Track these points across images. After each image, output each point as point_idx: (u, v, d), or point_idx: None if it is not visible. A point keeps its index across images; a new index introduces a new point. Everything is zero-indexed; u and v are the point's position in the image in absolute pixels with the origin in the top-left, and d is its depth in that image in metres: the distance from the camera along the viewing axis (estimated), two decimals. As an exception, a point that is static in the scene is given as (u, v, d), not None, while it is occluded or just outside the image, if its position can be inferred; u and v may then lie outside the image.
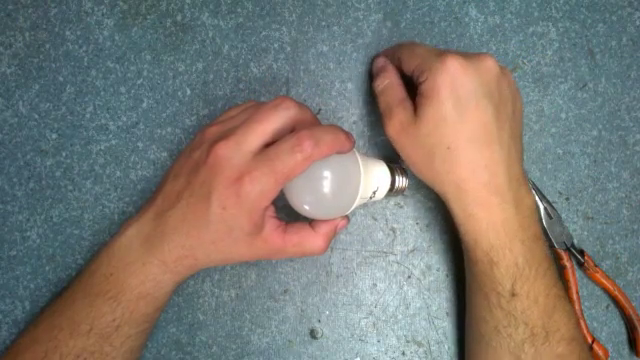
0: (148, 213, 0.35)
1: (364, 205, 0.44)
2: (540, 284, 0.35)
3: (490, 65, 0.35)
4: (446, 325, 0.43)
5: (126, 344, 0.36)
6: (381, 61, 0.41)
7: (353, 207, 0.36)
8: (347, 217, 0.38)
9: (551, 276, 0.36)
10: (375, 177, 0.38)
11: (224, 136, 0.33)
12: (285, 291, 0.44)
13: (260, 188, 0.32)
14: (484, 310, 0.37)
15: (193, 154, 0.35)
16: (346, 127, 0.45)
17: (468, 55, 0.35)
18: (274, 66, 0.46)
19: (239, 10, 0.46)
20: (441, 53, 0.35)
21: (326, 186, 0.34)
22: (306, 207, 0.35)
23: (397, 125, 0.36)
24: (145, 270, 0.35)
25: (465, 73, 0.34)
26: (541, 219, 0.44)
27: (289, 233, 0.35)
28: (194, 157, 0.34)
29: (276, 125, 0.33)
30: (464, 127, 0.34)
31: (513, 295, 0.35)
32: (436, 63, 0.34)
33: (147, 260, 0.35)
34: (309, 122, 0.35)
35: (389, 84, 0.38)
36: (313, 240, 0.36)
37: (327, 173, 0.34)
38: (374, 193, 0.38)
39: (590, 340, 0.42)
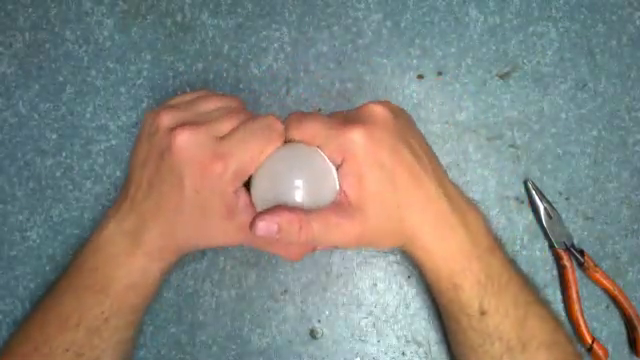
0: (125, 205, 0.35)
1: None
2: (506, 295, 0.35)
3: (380, 112, 0.34)
4: (446, 325, 0.43)
5: (115, 336, 0.36)
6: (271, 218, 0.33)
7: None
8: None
9: (516, 283, 0.36)
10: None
11: (186, 122, 0.34)
12: (285, 291, 0.44)
13: (232, 169, 0.33)
14: (458, 334, 0.37)
15: (152, 140, 0.35)
16: (346, 127, 0.45)
17: (358, 115, 0.34)
18: (274, 66, 0.46)
19: (239, 10, 0.46)
20: (339, 128, 0.33)
21: (298, 195, 0.33)
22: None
23: (349, 234, 0.34)
24: (130, 262, 0.35)
25: (373, 135, 0.33)
26: (541, 219, 0.44)
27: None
28: (155, 143, 0.34)
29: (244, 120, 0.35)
30: (398, 182, 0.33)
31: (482, 313, 0.35)
32: (344, 142, 0.33)
33: (131, 252, 0.35)
34: None
35: (284, 221, 0.32)
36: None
37: (299, 182, 0.33)
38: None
39: (590, 340, 0.42)
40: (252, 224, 0.31)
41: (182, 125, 0.33)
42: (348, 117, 0.35)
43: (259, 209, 0.34)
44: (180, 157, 0.33)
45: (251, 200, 0.35)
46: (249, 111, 0.37)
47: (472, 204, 0.37)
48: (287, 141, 0.35)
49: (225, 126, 0.34)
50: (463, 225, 0.35)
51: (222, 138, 0.34)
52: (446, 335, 0.42)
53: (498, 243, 0.37)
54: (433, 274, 0.36)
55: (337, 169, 0.34)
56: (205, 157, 0.33)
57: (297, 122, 0.35)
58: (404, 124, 0.35)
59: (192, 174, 0.33)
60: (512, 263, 0.37)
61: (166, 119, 0.35)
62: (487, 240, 0.36)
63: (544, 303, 0.37)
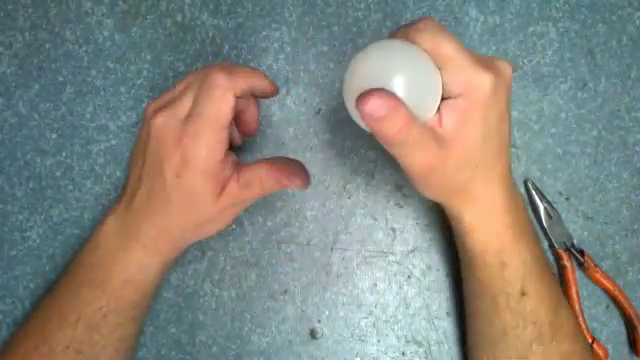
0: (122, 202, 0.36)
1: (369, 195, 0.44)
2: (546, 282, 0.36)
3: (509, 72, 0.32)
4: (446, 325, 0.43)
5: (115, 332, 0.36)
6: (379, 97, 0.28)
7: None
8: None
9: (552, 273, 0.37)
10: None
11: (161, 107, 0.34)
12: (285, 291, 0.44)
13: (204, 143, 0.32)
14: (491, 314, 0.36)
15: (141, 133, 0.35)
16: (347, 128, 0.45)
17: (493, 62, 0.32)
18: (274, 66, 0.45)
19: (239, 10, 0.46)
20: (476, 63, 0.30)
21: (399, 91, 0.29)
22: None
23: (427, 161, 0.31)
24: (128, 256, 0.35)
25: (500, 89, 0.31)
26: (541, 219, 0.44)
27: (243, 172, 0.34)
28: (142, 136, 0.35)
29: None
30: (491, 144, 0.32)
31: (523, 295, 0.35)
32: (475, 79, 0.30)
33: (128, 246, 0.35)
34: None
35: (396, 110, 0.28)
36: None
37: (400, 80, 0.29)
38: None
39: (590, 340, 0.42)
40: (362, 98, 0.27)
41: (157, 111, 0.33)
42: (481, 59, 0.32)
43: (350, 108, 0.31)
44: (157, 145, 0.33)
45: (236, 161, 0.35)
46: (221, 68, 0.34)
47: (519, 191, 0.37)
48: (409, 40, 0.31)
49: (188, 101, 0.33)
50: (517, 208, 0.35)
51: (186, 116, 0.33)
52: (452, 327, 0.41)
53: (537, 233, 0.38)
54: (480, 247, 0.35)
55: (448, 98, 0.31)
56: (174, 139, 0.32)
57: (435, 33, 0.31)
58: (510, 94, 0.34)
59: (168, 158, 0.33)
60: (547, 256, 0.38)
61: (149, 109, 0.35)
62: (531, 226, 0.37)
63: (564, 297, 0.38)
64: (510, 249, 0.35)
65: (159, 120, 0.33)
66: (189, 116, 0.33)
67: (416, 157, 0.30)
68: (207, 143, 0.32)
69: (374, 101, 0.27)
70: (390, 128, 0.28)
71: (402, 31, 0.32)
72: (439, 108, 0.31)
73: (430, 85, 0.30)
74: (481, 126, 0.31)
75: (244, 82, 0.33)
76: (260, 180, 0.34)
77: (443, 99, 0.31)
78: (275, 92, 0.36)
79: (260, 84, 0.34)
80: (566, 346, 0.35)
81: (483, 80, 0.30)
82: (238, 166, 0.35)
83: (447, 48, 0.31)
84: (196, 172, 0.32)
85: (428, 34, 0.31)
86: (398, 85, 0.29)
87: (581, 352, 0.36)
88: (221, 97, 0.32)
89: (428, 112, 0.30)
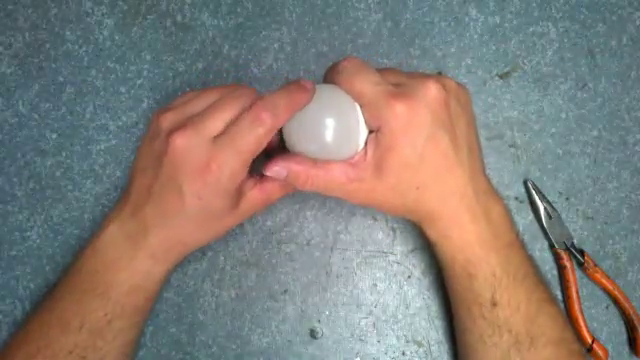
0: (126, 209, 0.35)
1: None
2: (520, 290, 0.35)
3: (434, 92, 0.33)
4: (446, 325, 0.43)
5: (119, 338, 0.36)
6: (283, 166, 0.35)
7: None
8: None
9: (532, 280, 0.36)
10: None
11: (182, 125, 0.33)
12: (285, 291, 0.44)
13: (229, 171, 0.32)
14: (468, 321, 0.37)
15: (153, 144, 0.35)
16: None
17: (411, 88, 0.34)
18: (274, 66, 0.46)
19: (239, 10, 0.46)
20: (387, 96, 0.33)
21: (329, 135, 0.34)
22: (309, 154, 0.35)
23: (362, 195, 0.35)
24: (133, 264, 0.35)
25: (417, 114, 0.33)
26: (541, 219, 0.44)
27: (266, 183, 0.36)
28: (155, 147, 0.34)
29: (235, 112, 0.33)
30: (426, 166, 0.34)
31: (494, 305, 0.35)
32: (387, 111, 0.33)
33: (134, 255, 0.35)
34: None
35: (318, 174, 0.34)
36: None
37: (329, 121, 0.33)
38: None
39: (590, 340, 0.42)
40: (265, 167, 0.34)
41: (177, 129, 0.33)
42: (401, 88, 0.34)
43: (288, 142, 0.35)
44: (175, 164, 0.33)
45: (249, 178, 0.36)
46: (249, 92, 0.35)
47: (500, 200, 0.37)
48: (329, 81, 0.35)
49: (218, 123, 0.33)
50: (486, 218, 0.35)
51: (215, 138, 0.33)
52: (452, 327, 0.41)
53: (520, 240, 0.37)
54: (448, 258, 0.36)
55: (370, 132, 0.34)
56: (199, 162, 0.32)
57: (350, 74, 0.34)
58: (456, 109, 0.35)
59: (190, 181, 0.32)
60: (531, 260, 0.37)
61: (164, 122, 0.34)
62: (509, 236, 0.36)
63: (555, 302, 0.37)
64: (477, 260, 0.35)
65: (181, 141, 0.32)
66: (220, 140, 0.32)
67: (341, 195, 0.35)
68: (232, 171, 0.33)
69: (274, 170, 0.34)
70: (297, 183, 0.34)
71: (327, 74, 0.36)
72: (367, 141, 0.34)
73: (349, 123, 0.34)
74: (403, 153, 0.33)
75: (286, 117, 0.33)
76: (278, 189, 0.37)
77: (372, 132, 0.34)
78: (310, 93, 0.34)
79: (299, 105, 0.33)
80: (548, 353, 0.35)
81: (395, 112, 0.32)
82: (255, 178, 0.36)
83: (360, 86, 0.34)
84: (217, 194, 0.33)
85: (345, 75, 0.34)
86: (320, 127, 0.34)
87: (567, 357, 0.36)
88: (262, 136, 0.32)
89: (353, 147, 0.34)
